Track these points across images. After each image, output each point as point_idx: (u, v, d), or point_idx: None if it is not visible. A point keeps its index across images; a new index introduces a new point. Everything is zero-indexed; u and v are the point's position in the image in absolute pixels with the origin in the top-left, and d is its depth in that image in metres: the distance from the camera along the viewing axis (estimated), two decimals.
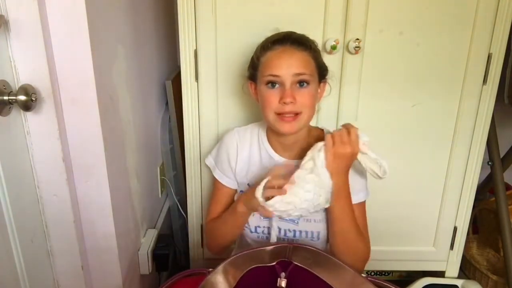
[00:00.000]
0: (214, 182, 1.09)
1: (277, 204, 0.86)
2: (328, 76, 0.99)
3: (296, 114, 0.90)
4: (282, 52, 0.91)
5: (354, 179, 0.97)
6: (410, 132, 1.26)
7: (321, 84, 0.97)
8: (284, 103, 0.89)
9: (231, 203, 1.06)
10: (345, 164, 0.89)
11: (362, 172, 1.00)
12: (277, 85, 0.91)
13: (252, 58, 0.97)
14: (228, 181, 1.06)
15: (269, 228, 1.01)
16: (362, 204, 1.01)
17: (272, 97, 0.90)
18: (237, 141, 1.04)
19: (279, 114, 0.91)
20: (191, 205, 1.33)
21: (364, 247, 0.97)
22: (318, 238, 1.00)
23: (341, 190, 0.90)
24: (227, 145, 1.05)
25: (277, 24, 1.07)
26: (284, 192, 0.86)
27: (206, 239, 1.11)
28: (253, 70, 0.96)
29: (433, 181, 1.33)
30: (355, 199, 0.97)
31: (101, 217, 0.95)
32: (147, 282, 1.29)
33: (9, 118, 0.73)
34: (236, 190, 1.07)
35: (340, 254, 0.94)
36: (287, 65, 0.89)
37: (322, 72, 0.96)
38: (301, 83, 0.90)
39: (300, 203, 0.86)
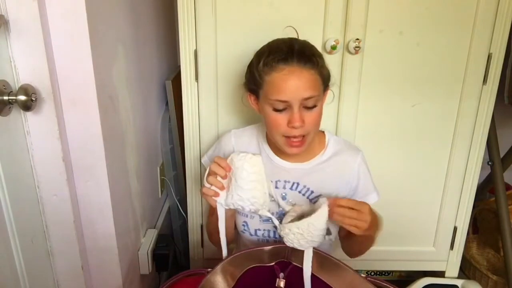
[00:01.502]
0: None
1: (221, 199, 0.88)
2: (331, 83, 0.96)
3: (303, 136, 0.89)
4: (289, 74, 0.85)
5: (363, 183, 0.99)
6: (410, 132, 1.26)
7: (324, 93, 0.94)
8: (293, 127, 0.87)
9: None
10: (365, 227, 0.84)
11: (369, 171, 1.00)
12: (284, 109, 0.88)
13: (253, 73, 0.91)
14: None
15: (269, 231, 1.00)
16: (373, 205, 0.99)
17: (280, 120, 0.88)
18: (233, 144, 1.04)
19: (287, 137, 0.89)
20: (191, 205, 1.33)
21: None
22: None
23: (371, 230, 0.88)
24: (223, 148, 1.05)
25: (277, 24, 1.06)
26: (223, 188, 0.87)
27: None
28: (255, 87, 0.92)
29: (433, 181, 1.33)
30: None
31: (101, 217, 0.95)
32: (147, 282, 1.29)
33: (9, 118, 0.73)
34: None
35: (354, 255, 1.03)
36: (295, 89, 0.85)
37: (326, 83, 0.93)
38: (310, 105, 0.88)
39: (245, 193, 0.85)
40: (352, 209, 0.82)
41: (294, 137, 0.89)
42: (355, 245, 1.00)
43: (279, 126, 0.89)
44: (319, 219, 0.84)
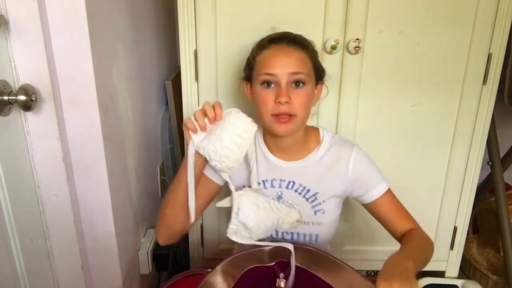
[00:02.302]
0: None
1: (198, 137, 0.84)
2: (326, 78, 0.98)
3: (291, 115, 0.88)
4: (278, 51, 0.89)
5: (366, 176, 0.97)
6: (410, 132, 1.26)
7: (318, 86, 0.96)
8: (279, 102, 0.87)
9: (211, 197, 1.01)
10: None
11: (371, 162, 0.99)
12: (272, 85, 0.89)
13: (248, 58, 0.96)
14: (213, 174, 0.98)
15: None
16: (388, 193, 0.98)
17: (268, 97, 0.89)
18: None
19: (275, 116, 0.89)
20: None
21: (430, 243, 0.95)
22: (317, 241, 0.99)
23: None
24: None
25: (277, 24, 1.07)
26: (204, 129, 0.84)
27: (157, 225, 0.99)
28: (249, 70, 0.95)
29: (433, 181, 1.33)
30: (375, 193, 0.96)
31: (101, 217, 0.95)
32: (147, 282, 1.29)
33: (9, 118, 0.73)
34: (219, 186, 1.01)
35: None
36: (283, 64, 0.87)
37: (319, 73, 0.95)
38: (297, 83, 0.88)
39: (221, 147, 0.82)
40: None
41: (282, 114, 0.88)
42: None
43: (267, 104, 0.89)
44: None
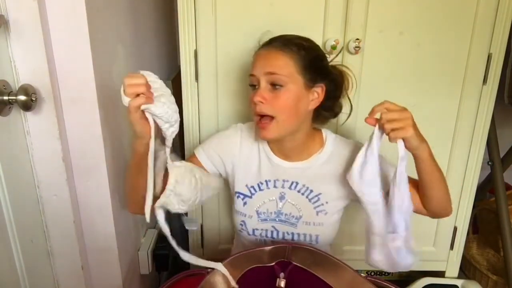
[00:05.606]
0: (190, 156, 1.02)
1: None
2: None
3: (272, 118, 0.87)
4: (265, 52, 0.89)
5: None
6: None
7: (318, 89, 0.90)
8: (254, 103, 0.87)
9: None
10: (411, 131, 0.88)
11: None
12: (256, 86, 0.89)
13: None
14: (206, 162, 1.00)
15: (267, 231, 1.00)
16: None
17: (252, 97, 0.89)
18: (240, 139, 1.01)
19: (257, 118, 0.89)
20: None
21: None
22: (317, 242, 0.99)
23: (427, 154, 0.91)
24: (229, 139, 1.01)
25: (276, 24, 1.07)
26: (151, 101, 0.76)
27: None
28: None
29: None
30: None
31: (101, 217, 0.95)
32: (147, 282, 1.30)
33: (9, 118, 0.73)
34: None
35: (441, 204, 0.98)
36: (262, 65, 0.88)
37: (315, 76, 0.89)
38: (274, 84, 0.87)
39: (174, 112, 0.79)
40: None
41: (262, 116, 0.88)
42: (430, 187, 0.94)
43: (251, 104, 0.90)
44: None
